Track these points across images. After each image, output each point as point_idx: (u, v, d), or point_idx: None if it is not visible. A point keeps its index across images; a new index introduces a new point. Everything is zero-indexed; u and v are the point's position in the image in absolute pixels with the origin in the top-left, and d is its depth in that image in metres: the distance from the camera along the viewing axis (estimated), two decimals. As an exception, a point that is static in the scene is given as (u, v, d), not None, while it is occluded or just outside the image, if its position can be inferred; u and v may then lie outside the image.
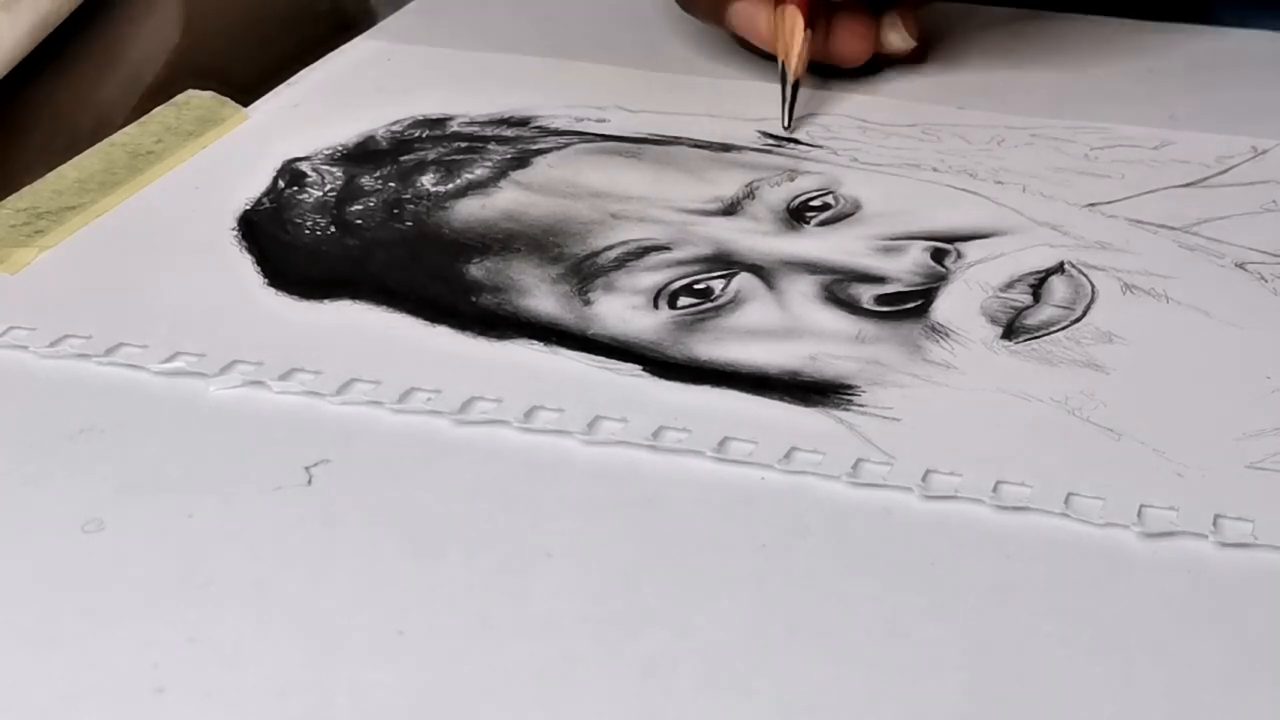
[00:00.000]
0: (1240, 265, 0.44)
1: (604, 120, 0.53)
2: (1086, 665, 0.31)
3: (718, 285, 0.43)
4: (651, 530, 0.35)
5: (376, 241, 0.46)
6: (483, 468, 0.37)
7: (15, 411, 0.39)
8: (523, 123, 0.52)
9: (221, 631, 0.32)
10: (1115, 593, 0.33)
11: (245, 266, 0.44)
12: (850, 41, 0.54)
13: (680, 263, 0.44)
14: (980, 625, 0.32)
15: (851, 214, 0.47)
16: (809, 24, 0.52)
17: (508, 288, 0.43)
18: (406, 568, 0.34)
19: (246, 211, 0.47)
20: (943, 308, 0.42)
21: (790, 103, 0.52)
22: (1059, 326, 0.41)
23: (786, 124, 0.52)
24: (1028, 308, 0.42)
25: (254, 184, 0.49)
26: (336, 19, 0.66)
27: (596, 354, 0.40)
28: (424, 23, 0.61)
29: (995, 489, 0.35)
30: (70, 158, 0.49)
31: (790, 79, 0.52)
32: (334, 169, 0.50)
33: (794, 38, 0.52)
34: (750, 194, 0.48)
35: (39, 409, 0.39)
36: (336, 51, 0.58)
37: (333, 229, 0.46)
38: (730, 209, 0.47)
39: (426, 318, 0.42)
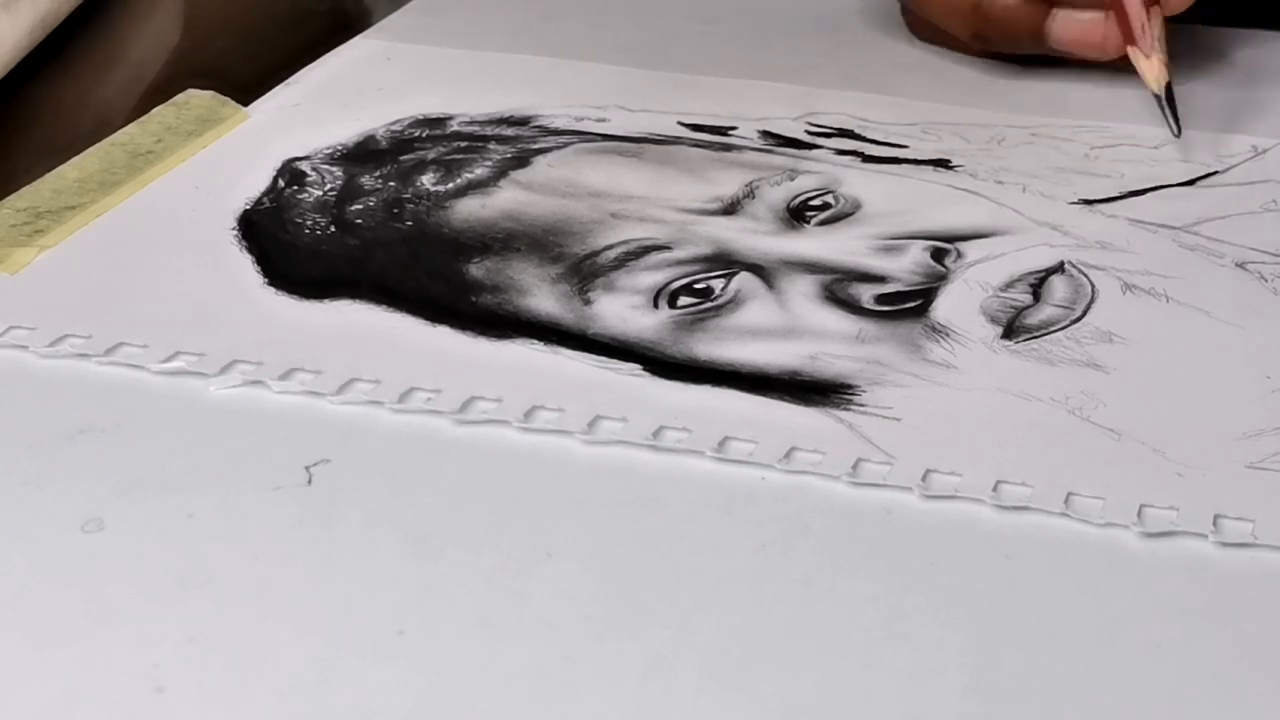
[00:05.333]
0: (1240, 265, 0.44)
1: (604, 120, 0.53)
2: (1086, 665, 0.31)
3: (718, 285, 0.43)
4: (651, 530, 0.35)
5: (376, 241, 0.46)
6: (483, 468, 0.37)
7: (15, 411, 0.39)
8: (523, 122, 0.52)
9: (221, 631, 0.32)
10: (1115, 593, 0.33)
11: (245, 266, 0.44)
12: None
13: (680, 262, 0.44)
14: (980, 625, 0.32)
15: (851, 214, 0.47)
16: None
17: (508, 287, 0.43)
18: (406, 568, 0.34)
19: (246, 211, 0.47)
20: (943, 307, 0.42)
21: (1170, 112, 0.51)
22: (1059, 326, 0.41)
23: (1177, 132, 0.51)
24: (1028, 307, 0.42)
25: (254, 184, 0.49)
26: (336, 19, 0.66)
27: (596, 354, 0.40)
28: (424, 22, 0.61)
29: (995, 489, 0.35)
30: (70, 158, 0.49)
31: (1160, 89, 0.51)
32: (334, 168, 0.50)
33: (1139, 59, 0.51)
34: (750, 193, 0.48)
35: (39, 409, 0.39)
36: (336, 51, 0.58)
37: (333, 229, 0.46)
38: (730, 208, 0.47)
39: (427, 317, 0.42)
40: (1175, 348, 0.41)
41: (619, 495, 0.36)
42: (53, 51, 0.58)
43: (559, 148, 0.51)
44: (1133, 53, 0.51)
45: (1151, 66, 0.51)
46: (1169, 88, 0.51)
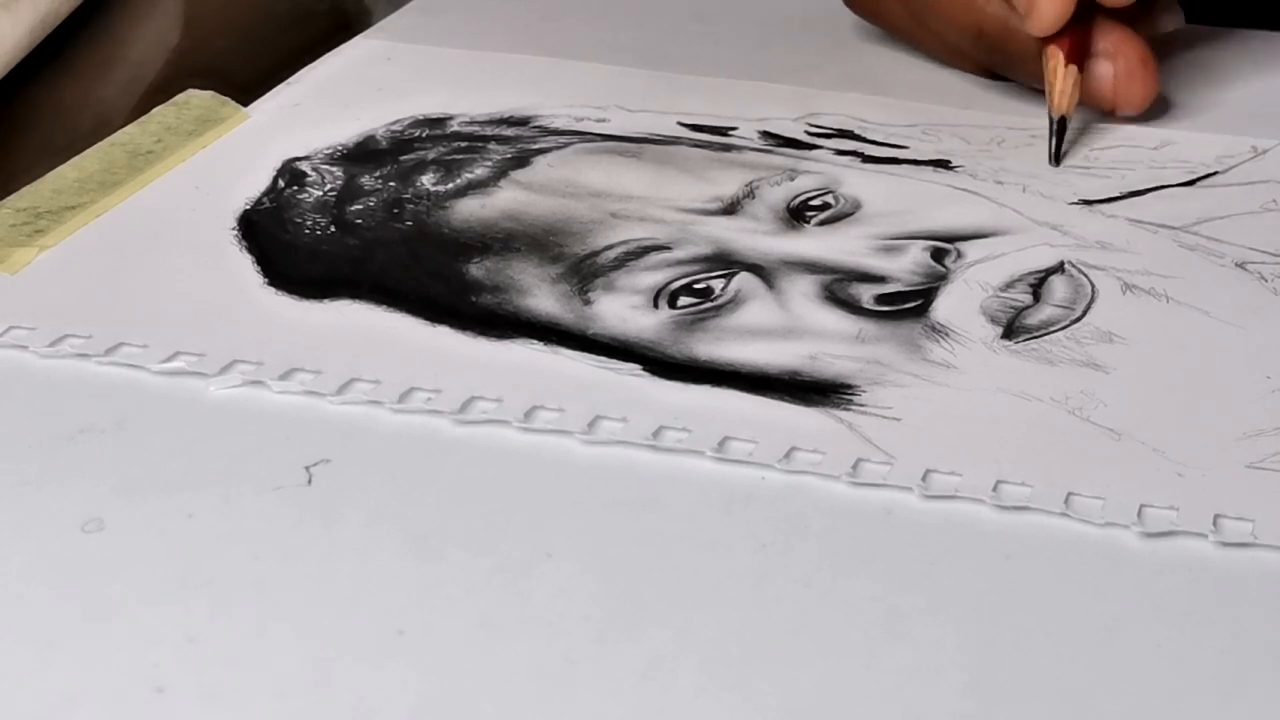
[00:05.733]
0: (1240, 265, 0.44)
1: (604, 120, 0.53)
2: (1086, 665, 0.31)
3: (718, 285, 0.43)
4: (651, 530, 0.35)
5: (376, 241, 0.46)
6: (483, 468, 0.37)
7: (15, 411, 0.39)
8: (523, 122, 0.52)
9: (221, 631, 0.32)
10: (1115, 593, 0.33)
11: (245, 266, 0.44)
12: (1131, 86, 0.51)
13: (680, 262, 0.44)
14: (980, 625, 0.32)
15: (851, 213, 0.47)
16: (1076, 63, 0.50)
17: (508, 287, 0.43)
18: (406, 568, 0.34)
19: (246, 211, 0.47)
20: (943, 307, 0.42)
21: (1056, 140, 0.50)
22: (1059, 326, 0.41)
23: (1055, 161, 0.50)
24: (1028, 307, 0.42)
25: (254, 184, 0.49)
26: (336, 19, 0.66)
27: (596, 354, 0.40)
28: (424, 22, 0.61)
29: (995, 489, 0.35)
30: (70, 158, 0.49)
31: (1054, 116, 0.50)
32: (334, 169, 0.50)
33: (1056, 77, 0.50)
34: (750, 193, 0.48)
35: (39, 409, 0.39)
36: (336, 51, 0.58)
37: (333, 229, 0.46)
38: (730, 208, 0.47)
39: (427, 318, 0.42)
40: (1175, 348, 0.41)
41: (619, 495, 0.36)
42: (53, 51, 0.58)
43: (559, 148, 0.51)
44: (1058, 74, 0.50)
45: (1063, 93, 0.50)
46: (1064, 120, 0.50)
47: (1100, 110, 0.52)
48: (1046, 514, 0.35)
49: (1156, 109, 0.53)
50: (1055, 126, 0.50)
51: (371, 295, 0.43)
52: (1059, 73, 0.50)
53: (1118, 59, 0.51)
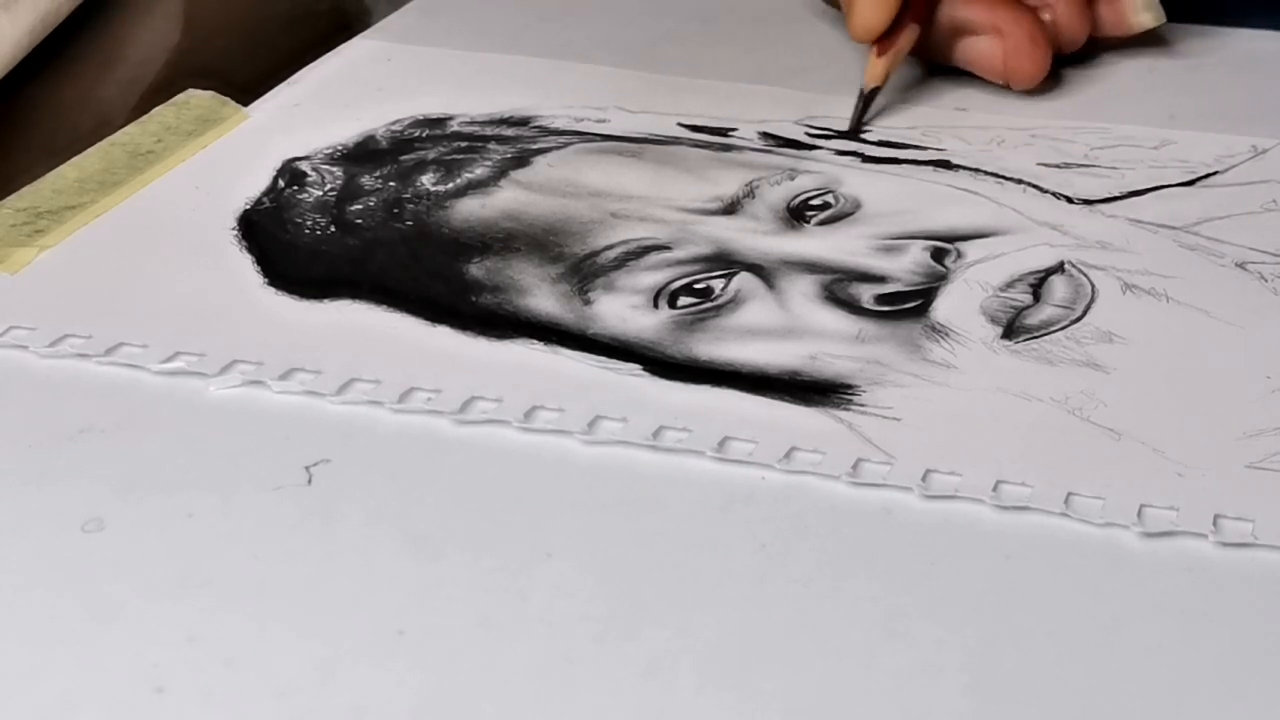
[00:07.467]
0: (1240, 265, 0.44)
1: (604, 120, 0.53)
2: (1086, 665, 0.31)
3: (718, 285, 0.43)
4: (651, 530, 0.35)
5: (376, 241, 0.46)
6: (483, 468, 0.37)
7: (15, 411, 0.39)
8: (523, 122, 0.52)
9: (221, 631, 0.32)
10: (1115, 593, 0.33)
11: (245, 266, 0.44)
12: (1020, 63, 0.53)
13: (680, 262, 0.44)
14: (980, 625, 0.32)
15: (851, 213, 0.47)
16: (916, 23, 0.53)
17: (508, 287, 0.43)
18: (406, 568, 0.34)
19: (246, 211, 0.47)
20: (943, 307, 0.42)
21: (859, 111, 0.53)
22: (1059, 326, 0.41)
23: (851, 133, 0.52)
24: (1028, 307, 0.42)
25: (254, 184, 0.49)
26: (336, 19, 0.66)
27: (596, 354, 0.40)
28: (424, 23, 0.61)
29: (995, 489, 0.35)
30: (70, 158, 0.49)
31: (864, 89, 0.53)
32: (334, 168, 0.50)
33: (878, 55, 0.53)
34: (750, 193, 0.48)
35: (39, 409, 0.39)
36: (336, 51, 0.58)
37: (333, 228, 0.46)
38: (730, 208, 0.47)
39: (426, 317, 0.42)
40: (1175, 348, 0.41)
41: (619, 495, 0.36)
42: (53, 51, 0.58)
43: (559, 148, 0.51)
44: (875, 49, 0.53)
45: (874, 66, 0.53)
46: (874, 92, 0.53)
47: (997, 83, 0.54)
48: (1046, 514, 0.35)
49: (1156, 109, 0.53)
50: (862, 98, 0.52)
51: (371, 295, 0.43)
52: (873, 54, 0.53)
53: (1007, 38, 0.53)
